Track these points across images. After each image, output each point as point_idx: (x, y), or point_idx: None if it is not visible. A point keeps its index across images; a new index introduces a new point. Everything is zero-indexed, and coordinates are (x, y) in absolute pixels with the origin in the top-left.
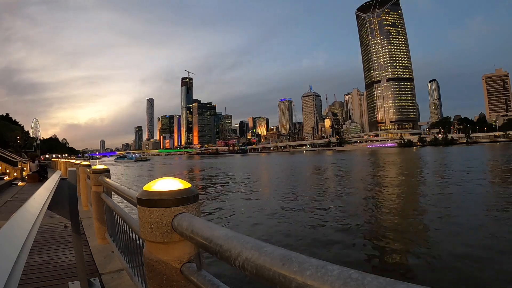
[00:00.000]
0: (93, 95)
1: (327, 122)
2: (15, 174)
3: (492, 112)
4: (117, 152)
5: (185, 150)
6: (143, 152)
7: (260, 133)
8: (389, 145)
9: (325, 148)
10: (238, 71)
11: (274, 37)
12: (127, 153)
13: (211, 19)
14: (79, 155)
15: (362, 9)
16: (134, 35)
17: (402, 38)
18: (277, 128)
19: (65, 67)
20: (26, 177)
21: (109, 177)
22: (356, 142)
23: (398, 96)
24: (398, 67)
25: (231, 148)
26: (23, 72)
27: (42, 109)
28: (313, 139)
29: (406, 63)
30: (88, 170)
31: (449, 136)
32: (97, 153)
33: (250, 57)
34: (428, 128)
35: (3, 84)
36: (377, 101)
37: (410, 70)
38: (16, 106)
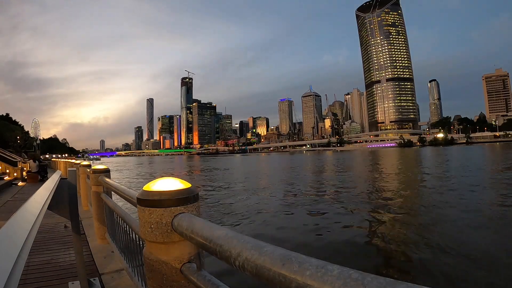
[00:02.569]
0: (100, 92)
1: (327, 122)
2: (15, 174)
3: (492, 112)
4: (117, 152)
5: (185, 150)
6: (143, 152)
7: (260, 133)
8: (389, 145)
9: (325, 148)
10: (243, 70)
11: (281, 40)
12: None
13: (234, 11)
14: (79, 155)
15: (362, 9)
16: (153, 25)
17: (402, 38)
18: (277, 128)
19: (73, 61)
20: (26, 177)
21: (109, 177)
22: (356, 142)
23: (398, 96)
24: (398, 67)
25: (231, 148)
26: (29, 66)
27: (46, 107)
28: (313, 139)
29: (406, 63)
30: (88, 170)
31: (449, 136)
32: (96, 153)
33: (259, 56)
34: (428, 128)
35: (7, 79)
36: (377, 101)
37: (410, 70)
38: (19, 104)
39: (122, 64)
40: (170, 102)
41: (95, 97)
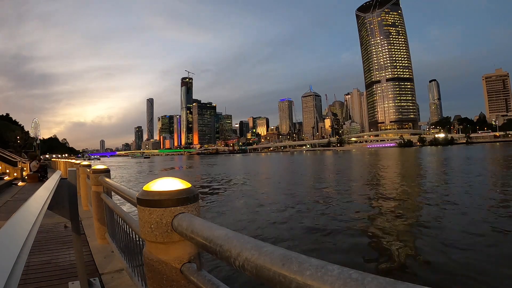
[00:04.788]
0: (107, 89)
1: (327, 122)
2: (15, 174)
3: (492, 112)
4: (117, 152)
5: (185, 150)
6: (143, 152)
7: (260, 133)
8: (389, 145)
9: (325, 148)
10: (248, 68)
11: (286, 40)
12: (90, 154)
13: (260, 4)
14: (79, 155)
15: (362, 9)
16: (172, 16)
17: (402, 38)
18: (277, 128)
19: (82, 55)
20: (26, 177)
21: (109, 177)
22: (356, 142)
23: (398, 96)
24: (398, 67)
25: (231, 148)
26: (34, 61)
27: (49, 105)
28: (313, 139)
29: (406, 63)
30: (88, 170)
31: (449, 136)
32: (95, 153)
33: (263, 57)
34: (428, 128)
35: (10, 75)
36: (377, 101)
37: (410, 70)
38: (22, 102)
39: (134, 58)
40: (176, 100)
41: (101, 94)
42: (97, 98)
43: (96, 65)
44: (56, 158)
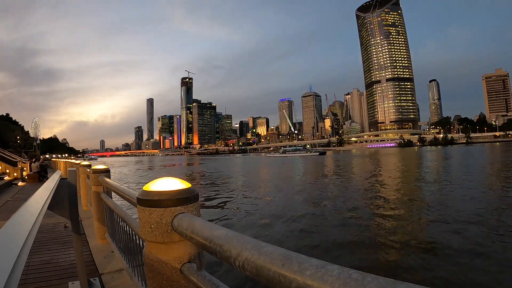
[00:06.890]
0: (114, 87)
1: (327, 122)
2: (15, 174)
3: (492, 112)
4: (117, 152)
5: (185, 150)
6: (143, 152)
7: (260, 133)
8: (389, 145)
9: (325, 148)
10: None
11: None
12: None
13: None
14: (79, 155)
15: (362, 9)
16: (193, 7)
17: (402, 38)
18: (277, 128)
19: (91, 50)
20: (26, 177)
21: (109, 177)
22: (356, 142)
23: (398, 96)
24: (398, 67)
25: (231, 148)
26: (40, 55)
27: (53, 103)
28: (313, 139)
29: (406, 63)
30: (88, 170)
31: (449, 136)
32: (95, 154)
33: (266, 57)
34: (428, 128)
35: (14, 70)
36: (377, 101)
37: (410, 70)
38: (24, 99)
39: (146, 54)
40: (178, 99)
41: (107, 92)
42: (101, 96)
43: (105, 60)
44: (56, 158)
